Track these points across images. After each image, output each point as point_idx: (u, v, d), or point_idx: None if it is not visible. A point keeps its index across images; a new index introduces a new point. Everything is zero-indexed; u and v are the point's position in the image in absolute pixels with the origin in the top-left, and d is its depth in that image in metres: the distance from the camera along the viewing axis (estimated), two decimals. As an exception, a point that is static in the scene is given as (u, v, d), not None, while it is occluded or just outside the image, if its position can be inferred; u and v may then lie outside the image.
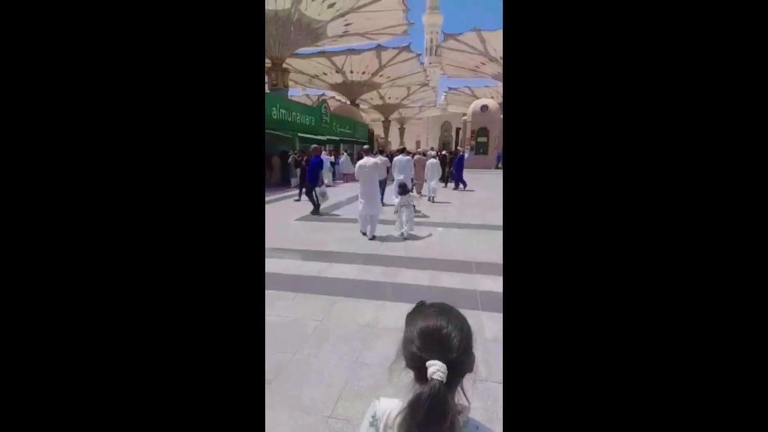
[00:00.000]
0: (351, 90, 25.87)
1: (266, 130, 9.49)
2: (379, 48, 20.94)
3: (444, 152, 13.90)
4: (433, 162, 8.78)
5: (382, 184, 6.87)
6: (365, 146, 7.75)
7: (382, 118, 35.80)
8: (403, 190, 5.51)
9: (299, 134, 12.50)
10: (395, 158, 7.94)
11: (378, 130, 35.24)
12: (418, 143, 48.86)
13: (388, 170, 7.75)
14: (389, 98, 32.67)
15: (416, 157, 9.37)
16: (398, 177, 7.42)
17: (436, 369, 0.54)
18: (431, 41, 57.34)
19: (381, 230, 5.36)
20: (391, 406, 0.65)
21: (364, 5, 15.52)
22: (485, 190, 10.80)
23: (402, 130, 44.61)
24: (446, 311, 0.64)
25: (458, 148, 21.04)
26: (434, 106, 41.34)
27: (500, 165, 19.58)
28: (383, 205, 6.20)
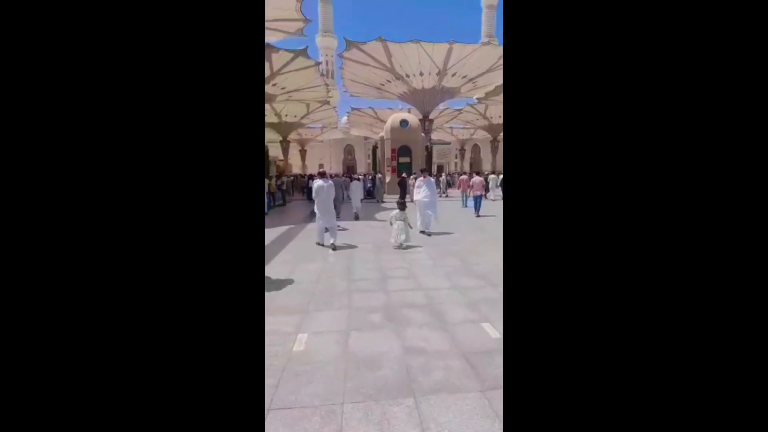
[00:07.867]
0: (236, 101, 20.82)
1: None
2: (269, 48, 16.97)
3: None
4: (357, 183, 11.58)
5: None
6: (320, 170, 8.19)
7: (280, 138, 31.25)
8: (401, 206, 6.56)
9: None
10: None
11: (276, 152, 30.43)
12: (321, 166, 45.45)
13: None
14: (286, 115, 28.59)
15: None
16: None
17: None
18: (327, 63, 55.82)
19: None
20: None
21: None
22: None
23: (303, 153, 40.54)
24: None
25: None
26: (336, 128, 38.83)
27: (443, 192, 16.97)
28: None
